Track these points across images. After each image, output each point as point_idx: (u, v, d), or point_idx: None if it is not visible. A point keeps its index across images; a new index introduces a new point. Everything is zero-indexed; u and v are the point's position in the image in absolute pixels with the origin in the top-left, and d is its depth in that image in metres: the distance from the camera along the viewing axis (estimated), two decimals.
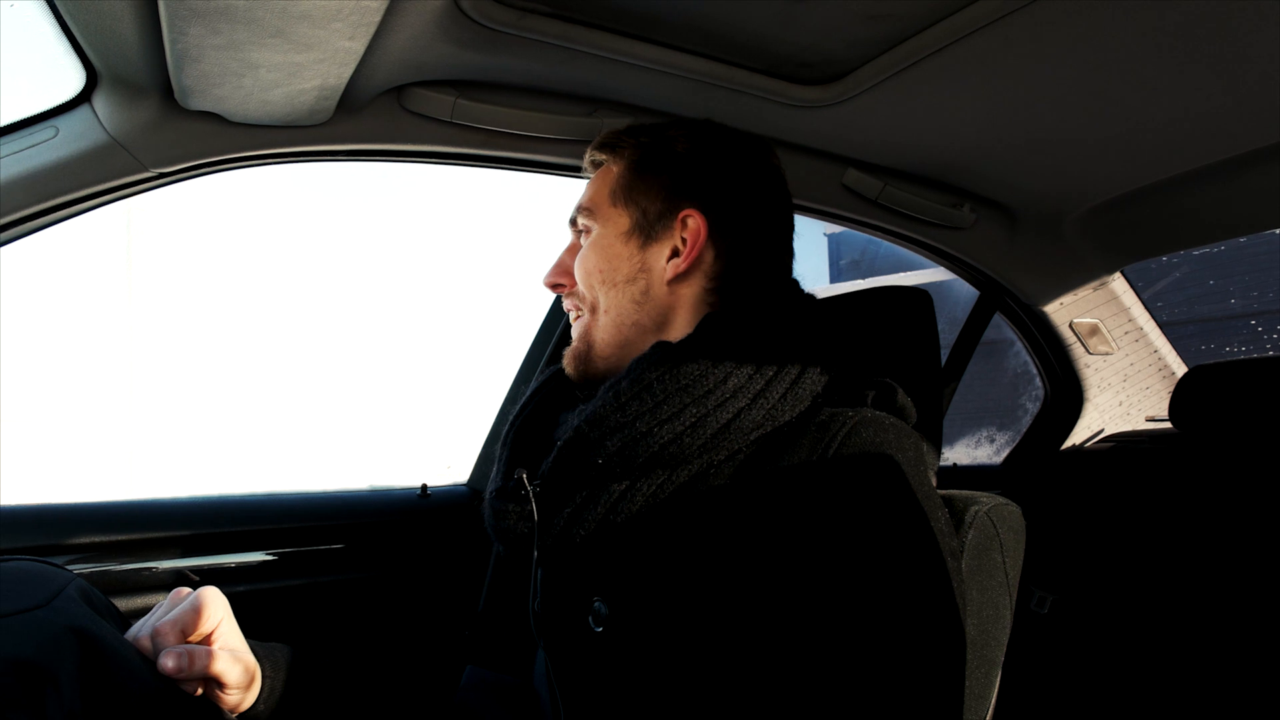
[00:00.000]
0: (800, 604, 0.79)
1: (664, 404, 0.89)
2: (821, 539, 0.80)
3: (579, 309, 1.09)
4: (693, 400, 0.89)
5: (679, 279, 1.04)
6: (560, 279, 1.11)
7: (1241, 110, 1.47)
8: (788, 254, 1.11)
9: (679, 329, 1.03)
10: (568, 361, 1.10)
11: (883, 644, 0.77)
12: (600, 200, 1.08)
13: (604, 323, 1.06)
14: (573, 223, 1.13)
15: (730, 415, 0.88)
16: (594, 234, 1.08)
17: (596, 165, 1.14)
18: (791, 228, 1.12)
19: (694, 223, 1.03)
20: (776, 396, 0.90)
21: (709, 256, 1.04)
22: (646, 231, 1.05)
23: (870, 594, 0.78)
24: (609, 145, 1.11)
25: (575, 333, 1.10)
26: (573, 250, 1.12)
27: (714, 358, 0.91)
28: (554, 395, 1.13)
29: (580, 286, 1.08)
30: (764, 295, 1.03)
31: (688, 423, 0.88)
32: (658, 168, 1.07)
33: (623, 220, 1.06)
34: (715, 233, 1.04)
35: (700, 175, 1.06)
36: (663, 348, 0.95)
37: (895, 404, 0.96)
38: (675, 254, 1.04)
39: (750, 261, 1.06)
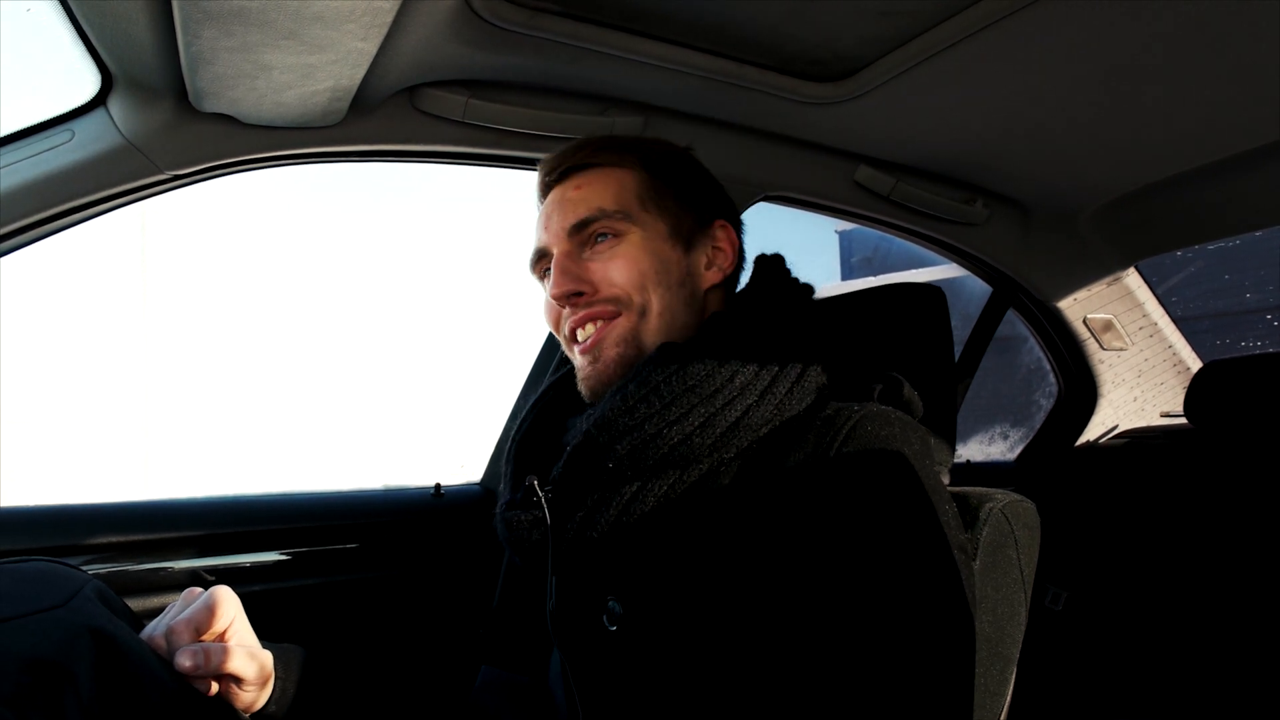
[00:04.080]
0: (810, 599, 0.80)
1: (672, 405, 0.89)
2: (829, 533, 0.81)
3: (611, 314, 1.02)
4: (700, 400, 0.89)
5: (714, 287, 1.08)
6: (579, 287, 1.01)
7: (1256, 104, 1.46)
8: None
9: None
10: (606, 368, 1.01)
11: (893, 636, 0.77)
12: (629, 202, 1.04)
13: (657, 325, 1.01)
14: (582, 226, 1.03)
15: (739, 413, 0.89)
16: (634, 236, 1.02)
17: (586, 167, 1.07)
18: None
19: (725, 233, 1.08)
20: (783, 392, 0.90)
21: (731, 265, 1.09)
22: (686, 238, 1.06)
23: (879, 587, 0.78)
24: (609, 148, 1.07)
25: (611, 339, 1.01)
26: (573, 257, 1.03)
27: (719, 357, 0.92)
28: (556, 402, 1.12)
29: (621, 289, 1.01)
30: (765, 294, 1.04)
31: (697, 422, 0.88)
32: (676, 176, 1.07)
33: (660, 225, 1.04)
34: (737, 243, 1.11)
35: (709, 187, 1.11)
36: (668, 349, 0.95)
37: (902, 398, 0.96)
38: (708, 263, 1.07)
39: (741, 265, 1.12)
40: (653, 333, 1.01)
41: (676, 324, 1.03)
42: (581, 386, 1.05)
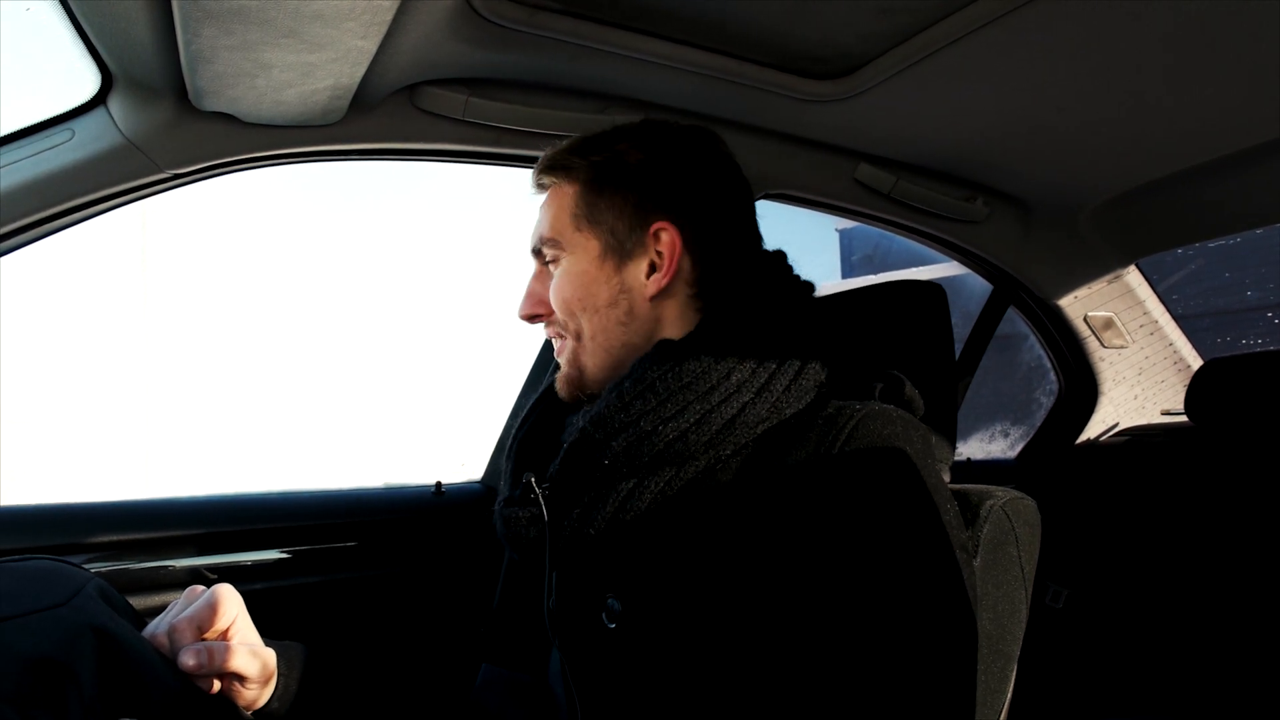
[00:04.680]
0: (811, 598, 0.80)
1: (668, 402, 0.89)
2: (830, 532, 0.81)
3: (561, 335, 1.06)
4: (696, 397, 0.89)
5: (662, 293, 1.01)
6: (536, 309, 1.07)
7: (1257, 101, 1.46)
8: (757, 240, 1.08)
9: (672, 337, 1.01)
10: (561, 387, 1.08)
11: (893, 635, 0.77)
12: (562, 227, 1.03)
13: (591, 348, 1.03)
14: (537, 253, 1.07)
15: (734, 410, 0.88)
16: (564, 263, 1.03)
17: (543, 188, 1.09)
18: (754, 212, 1.10)
19: (668, 235, 1.00)
20: (780, 390, 0.90)
21: (686, 265, 1.01)
22: (619, 251, 1.01)
23: (880, 586, 0.78)
24: (556, 167, 1.06)
25: (563, 358, 1.07)
26: (541, 278, 1.07)
27: (716, 354, 0.91)
28: (557, 400, 1.12)
29: (559, 315, 1.04)
30: (760, 289, 1.01)
31: (692, 419, 0.88)
32: (616, 183, 1.02)
33: (592, 244, 1.02)
34: (690, 240, 1.01)
35: (662, 184, 1.02)
36: (665, 346, 0.95)
37: (903, 397, 0.96)
38: (653, 268, 1.01)
39: (727, 258, 1.04)
40: (589, 354, 1.03)
41: (614, 343, 1.02)
42: (557, 389, 1.10)
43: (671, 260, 1.00)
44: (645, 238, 1.01)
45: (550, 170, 1.07)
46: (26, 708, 0.72)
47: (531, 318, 1.08)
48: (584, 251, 1.02)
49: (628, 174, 1.02)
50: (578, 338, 1.04)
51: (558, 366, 1.10)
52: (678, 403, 0.89)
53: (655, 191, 1.02)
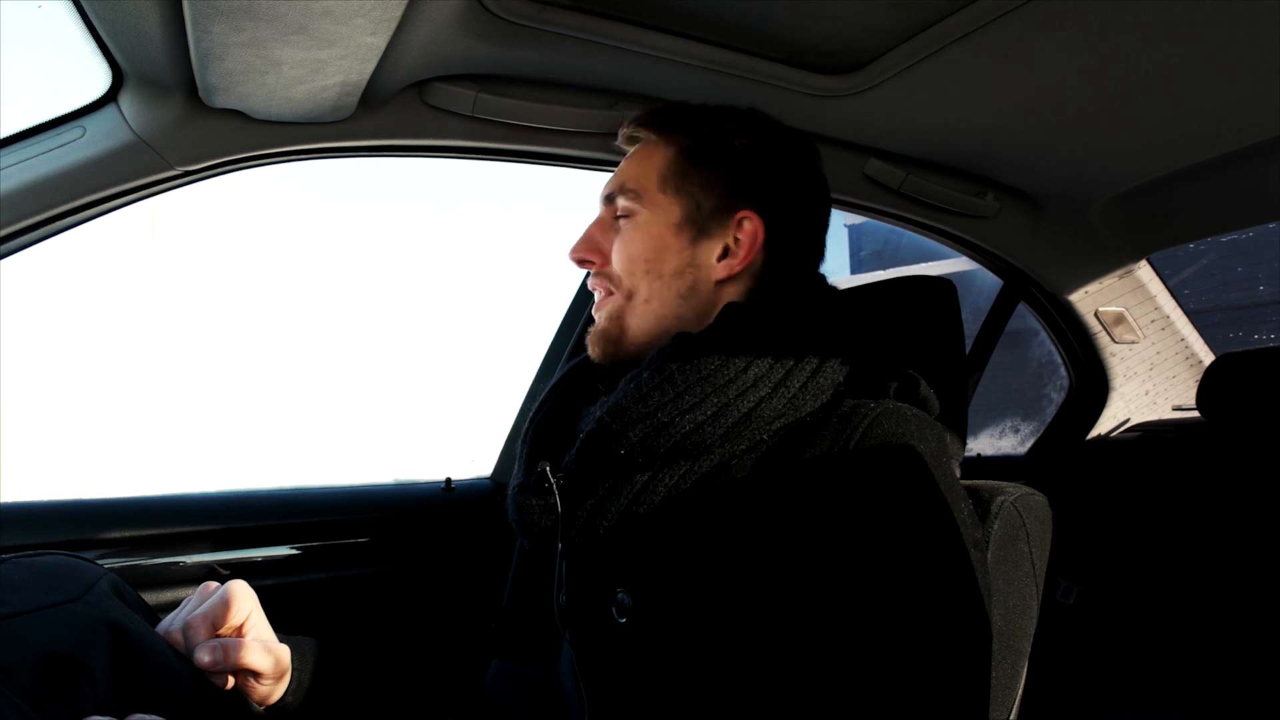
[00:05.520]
0: (823, 595, 0.79)
1: (685, 394, 0.89)
2: (844, 530, 0.80)
3: (609, 289, 1.06)
4: (714, 390, 0.88)
5: (729, 279, 1.03)
6: (589, 255, 1.06)
7: (1269, 96, 1.45)
8: (822, 254, 1.11)
9: None
10: (593, 341, 1.07)
11: (907, 635, 0.77)
12: (648, 184, 1.03)
13: (642, 311, 1.03)
14: (609, 199, 1.07)
15: (751, 405, 0.88)
16: (639, 218, 1.03)
17: (633, 140, 1.09)
18: (827, 228, 1.12)
19: (751, 225, 1.02)
20: (797, 386, 0.90)
21: (759, 259, 1.03)
22: (699, 226, 1.02)
23: (893, 585, 0.78)
24: (659, 125, 1.07)
25: (604, 312, 1.06)
26: (603, 225, 1.07)
27: (734, 348, 0.91)
28: (574, 390, 1.12)
29: (616, 269, 1.04)
30: (785, 287, 1.03)
31: (709, 412, 0.88)
32: (714, 160, 1.03)
33: (673, 210, 1.03)
34: (770, 236, 1.03)
35: (757, 175, 1.04)
36: (684, 339, 0.95)
37: (918, 395, 0.95)
38: (726, 253, 1.02)
39: (793, 265, 1.06)
40: (637, 317, 1.03)
41: (667, 314, 1.02)
42: (587, 343, 1.09)
43: (750, 250, 1.02)
44: (728, 221, 1.03)
45: (649, 126, 1.07)
46: (41, 701, 0.73)
47: (582, 261, 1.07)
48: (664, 214, 1.03)
49: (728, 155, 1.04)
50: (629, 296, 1.04)
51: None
52: (695, 395, 0.88)
53: (749, 180, 1.04)
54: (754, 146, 1.04)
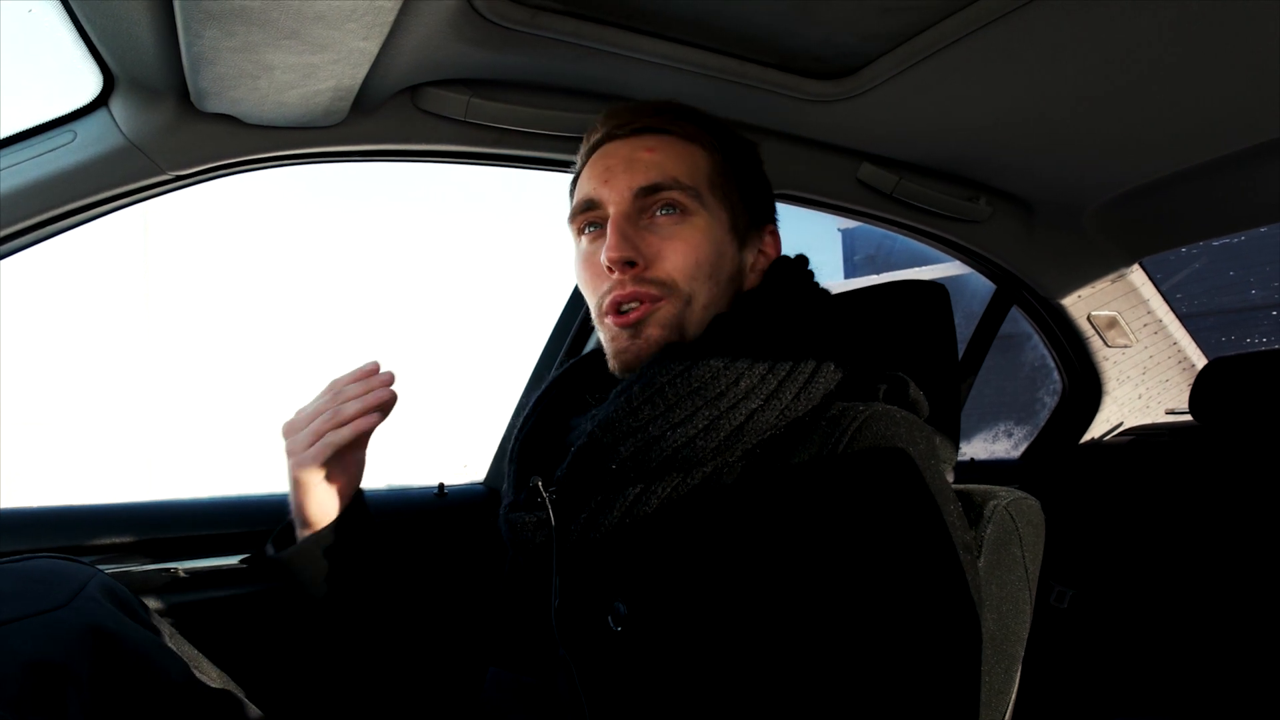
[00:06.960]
0: (816, 600, 0.79)
1: (676, 407, 0.88)
2: (834, 534, 0.80)
3: (656, 295, 0.97)
4: (705, 403, 0.88)
5: (751, 289, 1.06)
6: (634, 256, 0.96)
7: (1261, 100, 1.45)
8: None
9: None
10: (647, 345, 0.97)
11: (898, 637, 0.77)
12: (700, 183, 1.00)
13: (701, 317, 0.98)
14: (651, 190, 0.98)
15: (743, 417, 0.87)
16: (699, 219, 0.99)
17: (656, 132, 1.02)
18: None
19: (772, 239, 1.08)
20: (790, 397, 0.89)
21: (769, 272, 1.07)
22: (740, 234, 1.04)
23: (884, 588, 0.78)
24: (693, 122, 1.04)
25: (655, 319, 0.97)
26: (631, 221, 0.98)
27: (726, 359, 0.90)
28: (560, 400, 1.12)
29: (670, 272, 0.97)
30: (775, 295, 1.02)
31: (700, 425, 0.87)
32: (744, 172, 1.06)
33: (723, 215, 1.02)
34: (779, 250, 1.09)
35: (768, 196, 1.10)
36: (673, 349, 0.94)
37: (907, 398, 0.95)
38: (753, 264, 1.06)
39: (789, 283, 1.08)
40: (695, 325, 0.98)
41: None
42: (614, 360, 1.01)
43: (768, 263, 1.07)
44: (762, 233, 1.07)
45: (685, 119, 1.04)
46: (26, 712, 0.72)
47: (626, 264, 0.96)
48: (717, 219, 1.02)
49: (755, 171, 1.08)
50: (687, 302, 0.98)
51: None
52: (686, 408, 0.88)
53: (766, 198, 1.10)
54: (752, 162, 1.09)
